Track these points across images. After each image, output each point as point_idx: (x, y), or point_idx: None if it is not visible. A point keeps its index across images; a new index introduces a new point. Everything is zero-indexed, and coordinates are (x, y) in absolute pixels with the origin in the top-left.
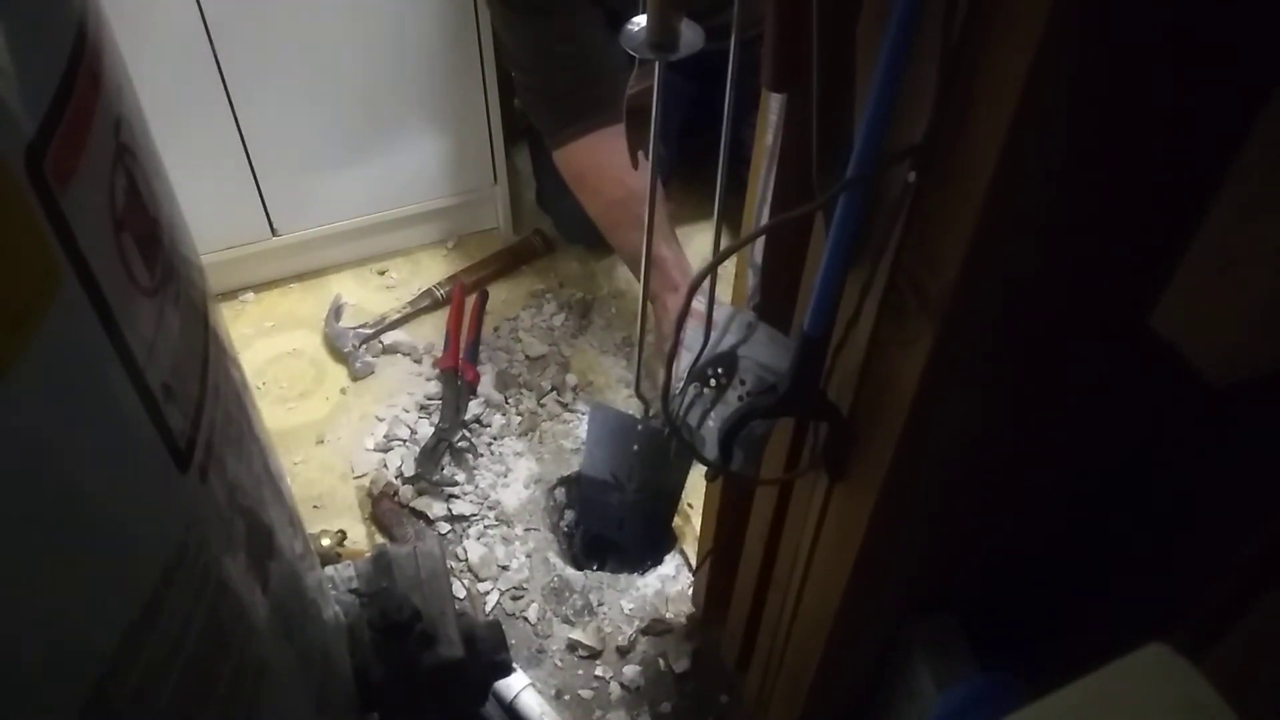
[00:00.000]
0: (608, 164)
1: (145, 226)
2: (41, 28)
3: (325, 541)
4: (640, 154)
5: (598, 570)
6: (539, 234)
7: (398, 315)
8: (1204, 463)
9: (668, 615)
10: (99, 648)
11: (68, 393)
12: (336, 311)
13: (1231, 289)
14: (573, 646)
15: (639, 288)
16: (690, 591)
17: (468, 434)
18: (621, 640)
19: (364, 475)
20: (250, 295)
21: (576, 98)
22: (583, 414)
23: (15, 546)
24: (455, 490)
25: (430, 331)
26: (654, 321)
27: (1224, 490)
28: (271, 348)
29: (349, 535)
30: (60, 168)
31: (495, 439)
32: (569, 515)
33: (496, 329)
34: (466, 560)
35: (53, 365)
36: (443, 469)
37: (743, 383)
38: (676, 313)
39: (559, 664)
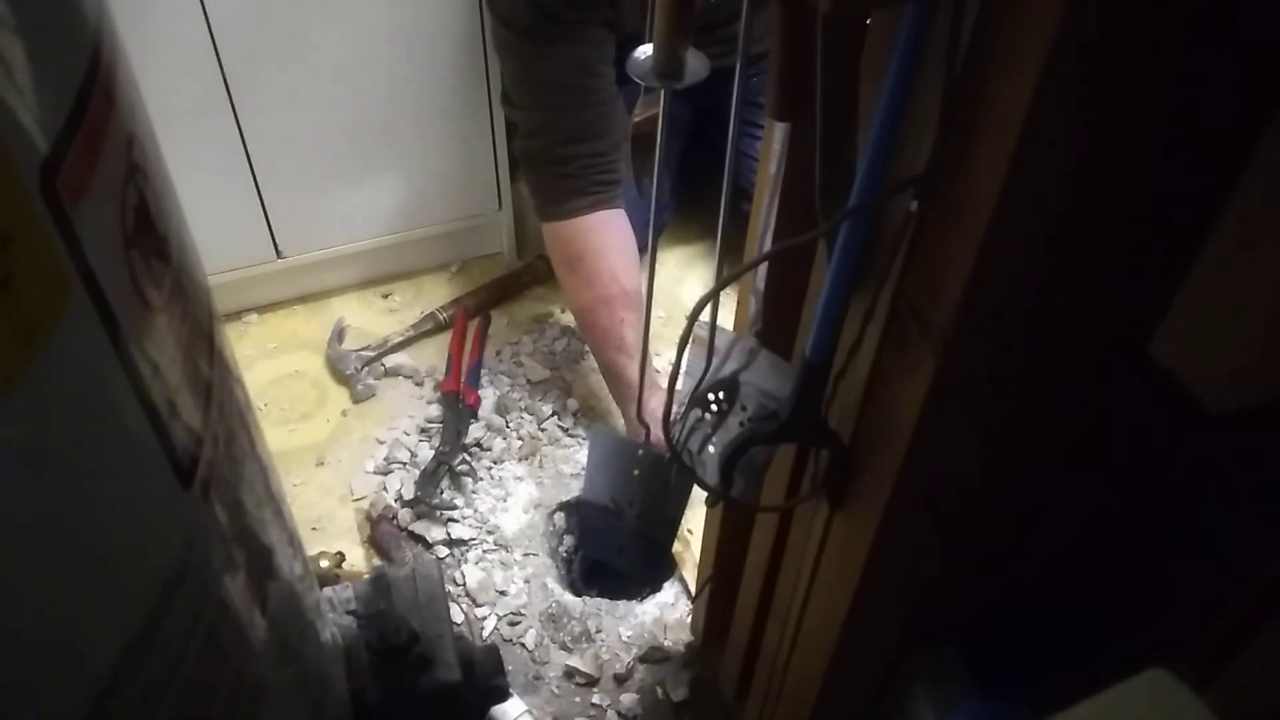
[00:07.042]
0: (607, 253)
1: (154, 244)
2: (58, 47)
3: (324, 563)
4: (644, 181)
5: (596, 596)
6: (542, 259)
7: (400, 338)
8: (1204, 491)
9: (666, 643)
10: (98, 664)
11: (74, 406)
12: (339, 334)
13: (1230, 317)
14: (570, 673)
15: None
16: (689, 619)
17: (468, 458)
18: (619, 668)
19: (363, 498)
20: (254, 316)
21: (584, 165)
22: (583, 439)
23: (17, 558)
24: (454, 514)
25: (432, 355)
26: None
27: (1224, 518)
28: (274, 369)
29: (347, 557)
30: (73, 184)
31: (495, 463)
32: (568, 541)
33: (499, 353)
34: (464, 585)
35: (61, 379)
36: (442, 492)
37: (744, 409)
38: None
39: (556, 691)
